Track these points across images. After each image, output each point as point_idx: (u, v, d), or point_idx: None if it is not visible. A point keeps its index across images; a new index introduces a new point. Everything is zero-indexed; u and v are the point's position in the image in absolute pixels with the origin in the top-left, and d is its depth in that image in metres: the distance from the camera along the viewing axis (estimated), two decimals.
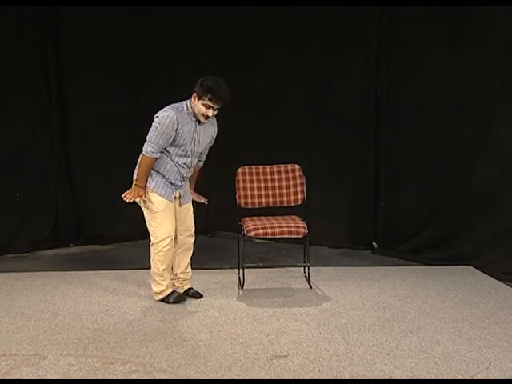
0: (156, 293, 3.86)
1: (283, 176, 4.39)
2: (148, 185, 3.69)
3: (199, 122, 3.71)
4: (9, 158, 5.18)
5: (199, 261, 5.04)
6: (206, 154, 4.00)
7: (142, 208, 3.77)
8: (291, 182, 4.38)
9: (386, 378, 2.83)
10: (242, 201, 4.34)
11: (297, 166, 4.40)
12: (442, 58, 4.78)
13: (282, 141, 5.44)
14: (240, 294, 4.10)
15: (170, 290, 3.87)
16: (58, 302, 3.91)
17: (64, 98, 5.42)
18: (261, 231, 4.02)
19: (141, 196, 3.68)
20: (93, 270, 4.65)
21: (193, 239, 3.97)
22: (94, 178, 5.51)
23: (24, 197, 5.31)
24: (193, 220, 3.96)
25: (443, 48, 4.78)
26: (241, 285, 4.25)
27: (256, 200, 4.37)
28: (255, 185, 4.38)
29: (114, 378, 2.83)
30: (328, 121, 5.35)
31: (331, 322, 3.55)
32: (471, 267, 4.64)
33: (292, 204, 4.38)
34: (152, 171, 3.70)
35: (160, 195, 3.70)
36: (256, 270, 4.58)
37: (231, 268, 4.64)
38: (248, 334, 3.36)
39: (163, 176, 3.73)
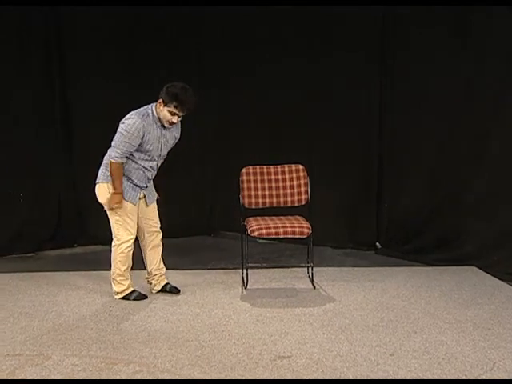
0: (117, 292, 3.94)
1: (287, 176, 4.39)
2: (113, 188, 3.75)
3: (164, 126, 3.75)
4: (12, 158, 5.18)
5: (202, 261, 5.07)
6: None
7: (106, 210, 3.82)
8: (295, 183, 4.37)
9: (390, 378, 2.82)
10: (246, 201, 4.34)
11: (301, 167, 4.40)
12: (443, 58, 4.76)
13: (285, 141, 5.44)
14: (243, 295, 4.10)
15: (131, 289, 3.95)
16: (61, 303, 3.92)
17: (67, 98, 5.43)
18: (264, 231, 4.02)
19: (121, 201, 3.74)
20: (96, 270, 4.65)
21: (160, 235, 4.08)
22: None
23: (28, 197, 5.32)
24: (158, 217, 4.05)
25: (444, 48, 4.76)
26: (244, 285, 4.25)
27: (260, 200, 4.37)
28: (259, 185, 4.38)
29: (117, 378, 2.84)
30: (330, 121, 5.35)
31: (335, 323, 3.55)
32: (475, 268, 4.63)
33: (296, 204, 4.37)
34: None
35: (124, 199, 3.77)
36: (259, 270, 4.58)
37: (235, 268, 4.64)
38: (251, 335, 3.36)
39: (128, 179, 3.79)
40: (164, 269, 4.13)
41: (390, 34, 5.06)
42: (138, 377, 2.85)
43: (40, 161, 5.34)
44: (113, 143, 3.69)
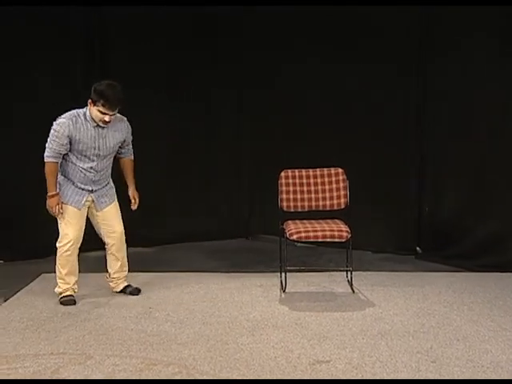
0: (56, 292, 3.97)
1: (326, 180, 4.37)
2: (60, 192, 3.79)
3: (100, 126, 3.73)
4: None
5: (240, 264, 5.08)
6: (129, 149, 4.03)
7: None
8: (334, 186, 4.35)
9: None
10: (285, 204, 4.34)
11: (340, 170, 4.37)
12: (482, 66, 4.68)
13: (324, 145, 5.39)
14: (282, 298, 4.09)
15: (67, 293, 3.94)
16: (103, 303, 3.98)
17: None
18: (303, 234, 4.00)
19: (58, 204, 3.75)
20: (135, 272, 4.71)
21: (122, 247, 4.02)
22: (141, 182, 5.60)
23: None
24: (119, 220, 3.98)
25: (484, 56, 4.67)
26: (283, 288, 4.24)
27: (299, 203, 4.35)
28: (298, 188, 4.36)
29: (157, 378, 2.87)
30: (369, 124, 5.28)
31: (374, 328, 3.50)
32: None
33: (335, 208, 4.34)
34: (62, 178, 3.81)
35: (67, 203, 3.79)
36: (298, 273, 4.55)
37: (273, 272, 4.63)
38: (290, 339, 3.35)
39: (72, 182, 3.81)
40: (125, 272, 4.12)
41: (427, 42, 4.98)
42: (178, 378, 2.88)
43: None
44: (46, 144, 3.73)
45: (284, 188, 4.35)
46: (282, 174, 4.38)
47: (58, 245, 3.87)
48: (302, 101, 5.53)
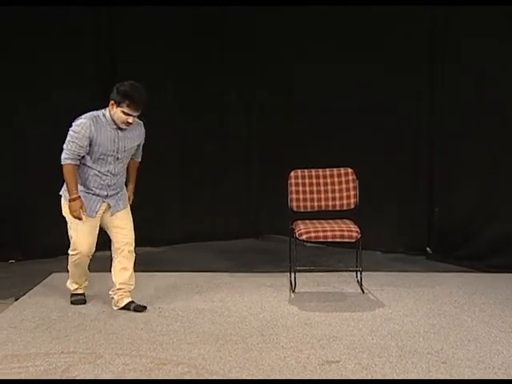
0: (67, 286, 3.96)
1: (336, 180, 4.36)
2: (68, 198, 3.61)
3: (120, 128, 3.60)
4: (59, 161, 5.27)
5: (250, 264, 5.08)
6: (139, 152, 3.90)
7: (67, 221, 3.71)
8: (344, 186, 4.34)
9: None
10: (295, 204, 4.33)
11: (349, 170, 4.36)
12: (494, 66, 4.65)
13: (334, 144, 5.38)
14: (291, 298, 4.08)
15: (79, 291, 3.93)
16: (112, 303, 3.99)
17: None
18: (313, 234, 3.99)
19: (82, 206, 3.58)
20: (145, 271, 4.72)
21: (132, 258, 3.80)
22: (145, 182, 5.61)
23: None
24: (131, 226, 3.81)
25: (495, 55, 4.64)
26: (292, 288, 4.23)
27: (308, 203, 4.34)
28: (307, 188, 4.36)
29: (167, 378, 2.87)
30: (381, 123, 5.26)
31: (384, 328, 3.48)
32: None
33: (344, 208, 4.34)
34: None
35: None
36: (307, 273, 4.54)
37: (282, 271, 4.63)
38: (299, 339, 3.34)
39: (87, 188, 3.64)
40: (132, 286, 3.81)
41: (439, 45, 4.96)
42: (187, 377, 2.88)
43: None
44: (64, 145, 3.58)
45: (293, 188, 4.34)
46: (292, 173, 4.37)
47: (69, 252, 3.78)
48: (313, 101, 5.51)
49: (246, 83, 5.85)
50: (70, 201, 3.59)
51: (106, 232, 3.88)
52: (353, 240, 4.01)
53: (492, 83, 4.71)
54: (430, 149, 5.17)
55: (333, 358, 3.07)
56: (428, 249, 5.23)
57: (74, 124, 3.59)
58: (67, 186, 3.60)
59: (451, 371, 2.90)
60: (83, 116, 3.60)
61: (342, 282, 4.41)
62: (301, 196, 4.34)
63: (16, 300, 4.07)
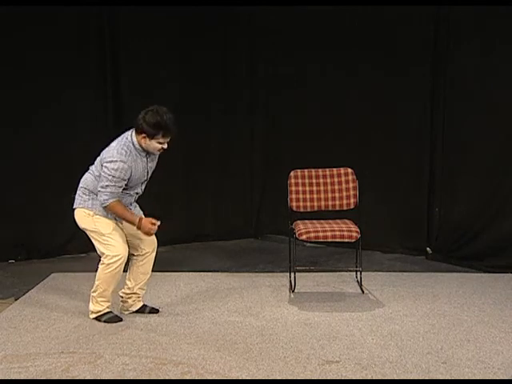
0: (92, 312, 3.65)
1: (336, 180, 4.35)
2: (94, 210, 3.54)
3: (147, 153, 3.53)
4: (63, 160, 5.27)
5: (250, 264, 5.08)
6: None
7: (91, 234, 3.59)
8: (344, 186, 4.34)
9: None
10: (294, 204, 4.33)
11: (349, 170, 4.36)
12: (499, 65, 4.65)
13: (334, 144, 5.39)
14: (291, 298, 4.08)
15: (106, 310, 3.65)
16: (112, 303, 3.98)
17: (121, 100, 5.50)
18: (313, 234, 3.99)
19: (152, 222, 3.52)
20: None
21: (151, 262, 3.76)
22: (151, 181, 5.62)
23: None
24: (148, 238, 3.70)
25: (500, 55, 4.64)
26: (292, 288, 4.23)
27: (308, 203, 4.35)
28: (307, 188, 4.36)
29: (167, 378, 2.87)
30: (381, 123, 5.27)
31: (384, 328, 3.49)
32: None
33: (344, 208, 4.34)
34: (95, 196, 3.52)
35: (106, 217, 3.54)
36: (307, 273, 4.55)
37: (282, 271, 4.64)
38: (299, 339, 3.34)
39: None
40: (144, 291, 3.81)
41: (442, 45, 4.96)
42: (187, 377, 2.88)
43: (92, 162, 5.42)
44: (102, 186, 3.43)
45: (293, 188, 4.35)
46: (292, 174, 4.37)
47: (105, 261, 3.53)
48: (314, 101, 5.52)
49: (247, 84, 5.86)
50: (139, 227, 3.50)
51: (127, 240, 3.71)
52: (353, 240, 4.01)
53: (494, 83, 4.71)
54: (431, 149, 5.16)
55: (333, 358, 3.07)
56: (428, 249, 5.23)
57: (110, 166, 3.39)
58: (125, 219, 3.52)
59: (451, 371, 2.91)
60: (117, 155, 3.41)
61: (341, 282, 4.41)
62: (300, 196, 4.34)
63: (16, 300, 4.07)
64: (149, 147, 3.47)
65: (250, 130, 5.99)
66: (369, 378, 2.85)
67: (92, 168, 3.65)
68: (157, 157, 3.67)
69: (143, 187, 3.70)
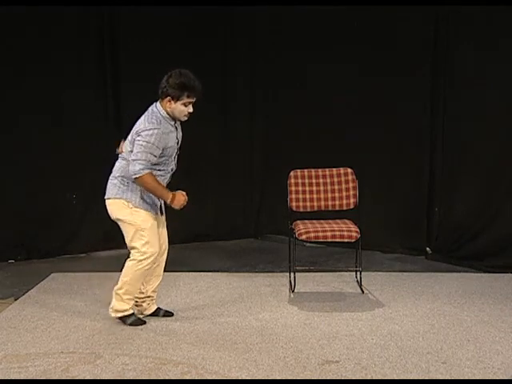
0: (116, 310, 3.53)
1: (335, 180, 4.35)
2: (133, 201, 3.42)
3: (174, 121, 3.46)
4: (64, 160, 5.26)
5: (250, 264, 5.08)
6: None
7: (125, 226, 3.46)
8: (343, 186, 4.34)
9: None
10: (294, 204, 4.33)
11: (349, 170, 4.36)
12: (498, 65, 4.65)
13: (334, 144, 5.39)
14: (291, 298, 4.08)
15: (131, 311, 3.55)
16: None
17: (120, 98, 5.50)
18: (312, 234, 3.99)
19: (183, 195, 3.42)
20: None
21: (165, 255, 3.67)
22: None
23: (80, 198, 5.44)
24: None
25: (499, 55, 4.64)
26: (292, 288, 4.23)
27: (308, 203, 4.34)
28: (307, 188, 4.36)
29: (166, 378, 2.87)
30: (380, 123, 5.27)
31: (384, 328, 3.49)
32: None
33: (344, 208, 4.33)
34: (135, 186, 3.40)
35: (146, 210, 3.43)
36: (307, 273, 4.55)
37: (282, 271, 4.63)
38: (299, 339, 3.34)
39: (143, 190, 3.43)
40: (156, 293, 3.73)
41: (442, 45, 4.96)
42: (187, 377, 2.88)
43: (92, 162, 5.43)
44: (133, 157, 3.32)
45: (293, 188, 4.34)
46: (291, 173, 4.37)
47: (139, 258, 3.41)
48: (314, 101, 5.51)
49: (247, 84, 5.86)
50: (171, 202, 3.38)
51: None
52: (352, 240, 4.01)
53: (494, 83, 4.71)
54: (431, 149, 5.16)
55: (332, 358, 3.07)
56: (428, 249, 5.23)
57: (144, 134, 3.31)
58: (157, 194, 3.40)
59: (451, 371, 2.91)
60: (150, 123, 3.33)
61: (341, 282, 4.41)
62: (300, 196, 4.34)
63: (16, 300, 4.07)
64: (174, 111, 3.39)
65: (249, 130, 5.99)
66: (368, 377, 2.85)
67: (124, 155, 3.50)
68: (181, 127, 3.55)
69: (175, 161, 3.56)
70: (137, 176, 3.32)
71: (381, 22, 5.12)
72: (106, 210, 3.57)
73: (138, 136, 3.33)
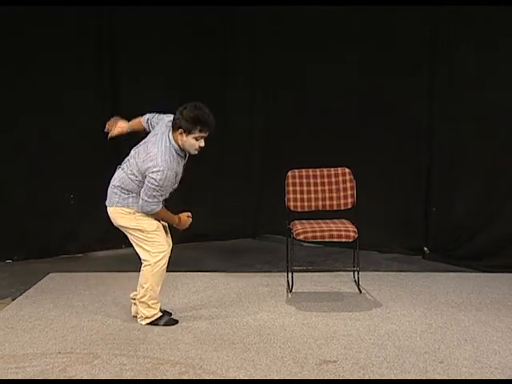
0: (146, 317, 3.54)
1: (333, 180, 4.36)
2: (135, 208, 3.43)
3: (185, 153, 3.45)
4: (64, 160, 5.25)
5: (247, 264, 5.08)
6: None
7: (131, 233, 3.50)
8: (341, 186, 4.34)
9: None
10: (292, 204, 4.33)
11: (347, 170, 4.36)
12: (496, 65, 4.66)
13: (332, 144, 5.38)
14: (289, 298, 4.08)
15: (160, 313, 3.58)
16: (109, 303, 3.99)
17: (118, 98, 5.49)
18: (310, 234, 3.99)
19: (188, 216, 3.59)
20: None
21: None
22: None
23: (78, 198, 5.44)
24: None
25: (497, 55, 4.65)
26: (290, 288, 4.23)
27: (305, 203, 4.35)
28: (305, 188, 4.36)
29: (164, 378, 2.87)
30: (379, 123, 5.27)
31: (381, 328, 3.49)
32: None
33: (342, 208, 4.34)
34: (137, 194, 3.42)
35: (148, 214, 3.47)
36: (305, 273, 4.55)
37: (280, 271, 4.63)
38: (297, 338, 3.34)
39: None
40: None
41: (441, 45, 4.96)
42: (185, 377, 2.88)
43: (91, 162, 5.42)
44: (145, 197, 3.33)
45: (291, 188, 4.34)
46: (289, 173, 4.37)
47: (152, 261, 3.44)
48: (314, 101, 5.52)
49: (247, 84, 5.86)
50: (178, 224, 3.56)
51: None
52: (350, 240, 4.01)
53: (493, 83, 4.72)
54: (429, 149, 5.17)
55: (330, 358, 3.08)
56: (425, 249, 5.24)
57: (157, 177, 3.27)
58: (165, 220, 3.54)
59: (448, 371, 2.91)
60: (161, 163, 3.27)
61: (339, 282, 4.41)
62: (298, 196, 4.34)
63: (13, 300, 4.06)
64: (185, 144, 3.34)
65: (249, 130, 5.99)
66: (366, 377, 2.86)
67: (124, 168, 3.49)
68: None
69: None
70: (152, 213, 3.43)
71: (381, 22, 5.13)
72: (107, 213, 3.59)
73: (151, 175, 3.29)
